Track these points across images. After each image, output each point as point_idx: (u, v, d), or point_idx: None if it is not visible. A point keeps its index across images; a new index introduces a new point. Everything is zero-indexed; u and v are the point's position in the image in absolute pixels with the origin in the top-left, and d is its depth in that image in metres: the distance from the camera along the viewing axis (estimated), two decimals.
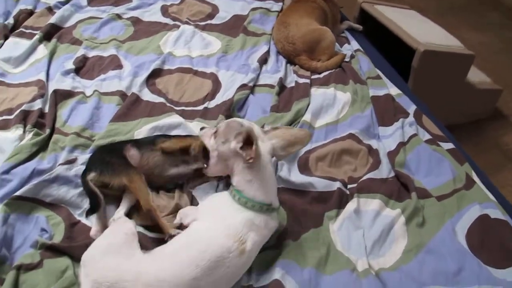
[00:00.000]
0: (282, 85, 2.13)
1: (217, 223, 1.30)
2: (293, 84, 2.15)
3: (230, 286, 1.27)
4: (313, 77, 2.23)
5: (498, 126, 3.24)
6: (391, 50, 2.76)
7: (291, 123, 1.91)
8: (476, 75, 3.07)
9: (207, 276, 1.18)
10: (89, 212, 1.46)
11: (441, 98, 2.86)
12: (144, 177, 1.50)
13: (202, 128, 1.59)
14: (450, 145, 1.90)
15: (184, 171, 1.59)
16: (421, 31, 2.74)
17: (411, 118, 1.99)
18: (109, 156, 1.56)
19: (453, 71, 2.80)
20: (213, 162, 1.46)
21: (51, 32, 2.34)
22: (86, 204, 1.52)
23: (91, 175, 1.48)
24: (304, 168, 1.73)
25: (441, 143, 1.90)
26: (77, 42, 2.32)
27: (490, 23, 4.53)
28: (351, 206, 1.57)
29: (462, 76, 2.86)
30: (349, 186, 1.65)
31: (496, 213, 1.60)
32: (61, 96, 1.93)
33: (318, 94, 2.09)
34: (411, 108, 2.09)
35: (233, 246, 1.23)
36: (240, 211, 1.31)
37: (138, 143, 1.63)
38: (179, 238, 1.30)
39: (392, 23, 2.77)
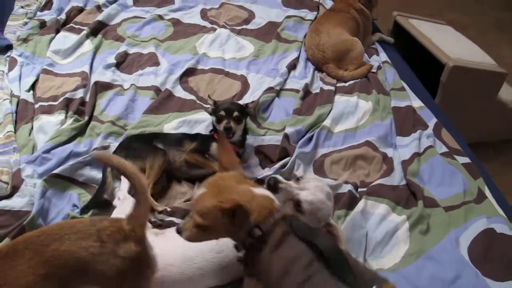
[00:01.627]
0: (307, 90, 2.23)
1: None
2: (318, 90, 2.25)
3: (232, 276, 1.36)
4: (338, 85, 2.32)
5: None
6: (422, 65, 2.80)
7: (312, 126, 2.00)
8: (509, 94, 3.05)
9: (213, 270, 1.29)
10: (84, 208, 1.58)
11: (470, 115, 2.86)
12: (164, 165, 1.66)
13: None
14: (466, 159, 1.94)
15: (209, 171, 1.70)
16: (453, 47, 2.76)
17: (429, 130, 2.04)
18: (136, 143, 1.74)
19: (483, 88, 2.80)
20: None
21: (98, 29, 2.55)
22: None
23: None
24: (319, 170, 1.82)
25: (457, 157, 1.95)
26: (120, 39, 2.51)
27: None
28: (358, 207, 1.64)
29: (493, 94, 2.85)
30: (359, 189, 1.73)
31: (504, 228, 1.64)
32: (101, 87, 2.11)
33: (341, 101, 2.18)
34: (432, 121, 2.13)
35: None
36: None
37: (165, 138, 1.78)
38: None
39: (424, 37, 2.81)
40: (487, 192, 1.81)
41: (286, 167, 1.76)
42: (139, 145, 1.72)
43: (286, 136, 1.90)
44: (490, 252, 1.56)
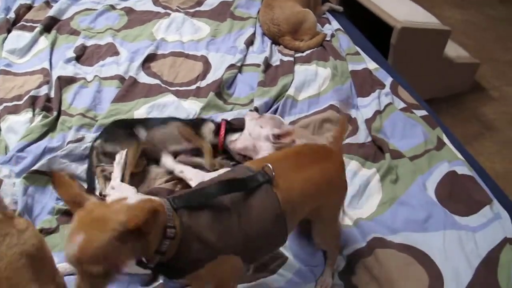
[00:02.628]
0: (267, 64, 2.30)
1: None
2: (278, 63, 2.33)
3: None
4: (296, 55, 2.40)
5: (477, 98, 3.40)
6: (372, 30, 2.92)
7: (277, 97, 2.08)
8: (455, 50, 3.23)
9: None
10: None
11: (421, 73, 3.02)
12: (140, 151, 1.70)
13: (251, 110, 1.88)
14: (423, 112, 2.09)
15: (183, 148, 1.76)
16: (399, 10, 2.89)
17: (387, 89, 2.17)
18: (117, 128, 1.78)
19: (430, 47, 2.96)
20: (243, 138, 1.72)
21: (51, 24, 2.51)
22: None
23: (97, 142, 1.72)
24: None
25: (415, 111, 2.08)
26: (75, 32, 2.48)
27: (472, 1, 4.68)
28: None
29: (440, 51, 3.02)
30: None
31: (463, 169, 1.79)
32: (65, 81, 2.10)
33: (301, 70, 2.27)
34: (388, 80, 2.26)
35: None
36: None
37: (148, 122, 1.82)
38: None
39: (371, 3, 2.93)
40: (445, 140, 1.96)
41: None
42: (120, 130, 1.76)
43: (256, 109, 1.97)
44: (454, 192, 1.71)
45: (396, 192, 1.68)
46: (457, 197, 1.70)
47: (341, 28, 2.64)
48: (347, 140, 1.87)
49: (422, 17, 2.97)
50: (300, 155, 1.25)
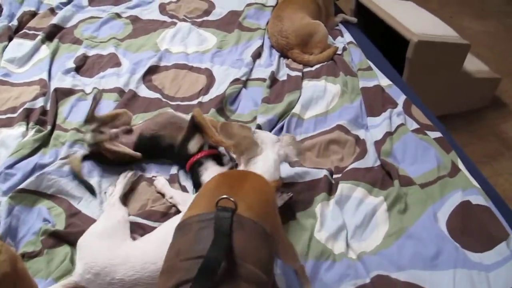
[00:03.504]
0: (274, 78, 2.20)
1: None
2: (285, 78, 2.22)
3: None
4: (305, 70, 2.29)
5: (497, 115, 3.25)
6: (386, 43, 2.81)
7: (283, 114, 1.97)
8: (474, 64, 3.10)
9: None
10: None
11: (438, 88, 2.89)
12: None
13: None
14: (437, 134, 1.95)
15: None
16: (416, 22, 2.77)
17: (399, 108, 2.04)
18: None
19: (448, 61, 2.83)
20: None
21: (54, 32, 2.45)
22: (85, 195, 1.63)
23: (88, 136, 1.71)
24: None
25: (428, 132, 1.95)
26: (78, 41, 2.42)
27: (492, 10, 4.51)
28: (336, 193, 1.64)
29: (458, 66, 2.88)
30: (334, 176, 1.72)
31: (478, 199, 1.65)
32: (62, 94, 2.03)
33: (309, 86, 2.15)
34: (401, 98, 2.13)
35: None
36: None
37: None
38: (165, 224, 1.39)
39: (387, 15, 2.81)
40: (460, 165, 1.82)
41: None
42: None
43: (258, 127, 1.87)
44: (467, 224, 1.57)
45: (404, 223, 1.56)
46: (471, 230, 1.56)
47: (354, 41, 2.52)
48: (354, 165, 1.75)
49: (439, 30, 2.84)
50: (227, 178, 1.20)
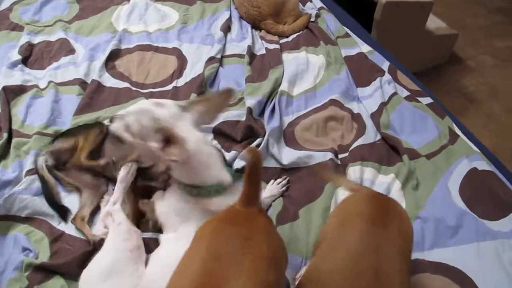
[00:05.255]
0: (252, 54, 2.01)
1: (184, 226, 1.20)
2: (263, 51, 2.04)
3: None
4: (281, 41, 2.12)
5: (456, 70, 3.28)
6: (350, 5, 2.68)
7: (271, 93, 1.81)
8: (432, 21, 3.07)
9: None
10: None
11: (403, 48, 2.84)
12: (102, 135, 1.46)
13: (111, 120, 1.30)
14: (428, 100, 1.88)
15: None
16: None
17: (387, 76, 1.94)
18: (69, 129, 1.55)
19: (413, 20, 2.78)
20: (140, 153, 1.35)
21: None
22: None
23: (44, 149, 1.46)
24: (292, 142, 1.66)
25: (419, 99, 1.88)
26: (17, 27, 2.08)
27: None
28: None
29: (422, 24, 2.85)
30: (340, 155, 1.60)
31: (482, 164, 1.61)
32: (13, 92, 1.73)
33: (290, 59, 2.00)
34: (385, 64, 2.04)
35: None
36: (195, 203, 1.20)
37: None
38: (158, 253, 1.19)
39: None
40: (457, 130, 1.77)
41: (260, 148, 1.57)
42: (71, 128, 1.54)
43: (249, 110, 1.70)
44: (478, 193, 1.52)
45: (419, 200, 1.48)
46: (483, 198, 1.51)
47: (325, 6, 2.36)
48: (357, 142, 1.64)
49: None
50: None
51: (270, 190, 1.47)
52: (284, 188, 1.49)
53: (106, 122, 1.53)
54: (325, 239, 1.06)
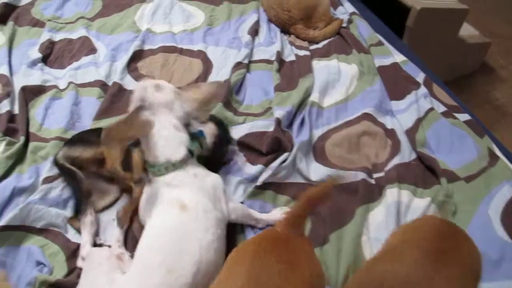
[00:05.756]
0: (280, 60, 1.91)
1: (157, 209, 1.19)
2: (292, 58, 1.94)
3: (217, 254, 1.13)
4: (311, 47, 2.02)
5: (487, 80, 3.15)
6: (377, 9, 2.58)
7: (300, 103, 1.71)
8: (464, 29, 2.95)
9: (177, 262, 1.06)
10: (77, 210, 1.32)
11: (434, 56, 2.72)
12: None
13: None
14: (466, 117, 1.77)
15: None
16: None
17: (423, 89, 1.84)
18: (86, 134, 1.47)
19: (447, 27, 2.66)
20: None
21: (6, 13, 2.02)
22: None
23: (59, 154, 1.39)
24: (321, 157, 1.56)
25: (456, 115, 1.77)
26: (38, 23, 2.01)
27: None
28: (382, 202, 1.42)
29: (455, 32, 2.73)
30: (375, 175, 1.50)
31: None
32: (31, 93, 1.66)
33: (320, 67, 1.90)
34: (420, 76, 1.93)
35: (175, 213, 1.15)
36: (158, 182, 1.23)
37: None
38: (140, 243, 1.15)
39: None
40: (497, 151, 1.66)
41: (287, 162, 1.48)
42: (87, 135, 1.45)
43: (278, 121, 1.60)
44: None
45: None
46: None
47: (357, 11, 2.25)
48: (394, 161, 1.54)
49: None
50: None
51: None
52: None
53: None
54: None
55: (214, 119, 1.48)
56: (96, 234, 1.29)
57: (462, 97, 2.90)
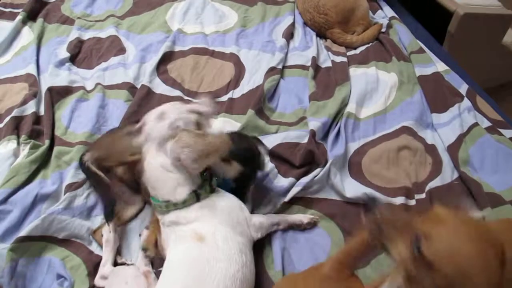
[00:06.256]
0: (316, 66, 1.82)
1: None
2: (328, 64, 1.85)
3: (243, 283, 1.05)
4: (348, 53, 1.92)
5: None
6: (417, 12, 2.45)
7: (337, 114, 1.62)
8: (508, 35, 2.79)
9: None
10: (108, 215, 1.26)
11: (475, 63, 2.58)
12: None
13: None
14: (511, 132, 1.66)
15: None
16: None
17: (467, 102, 1.72)
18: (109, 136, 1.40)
19: (490, 33, 2.52)
20: None
21: (36, 9, 1.99)
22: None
23: (86, 155, 1.31)
24: (357, 174, 1.47)
25: (502, 131, 1.65)
26: (68, 20, 1.96)
27: None
28: None
29: (499, 38, 2.58)
30: (417, 196, 1.40)
31: None
32: (58, 94, 1.61)
33: (358, 75, 1.80)
34: (463, 87, 1.82)
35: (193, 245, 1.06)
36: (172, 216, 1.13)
37: None
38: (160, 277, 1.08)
39: None
40: None
41: (319, 176, 1.40)
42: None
43: (313, 133, 1.51)
44: None
45: None
46: None
47: (396, 15, 2.14)
48: (434, 182, 1.44)
49: None
50: None
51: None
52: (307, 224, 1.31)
53: None
54: None
55: (247, 143, 1.37)
56: (118, 251, 1.23)
57: (504, 107, 2.78)
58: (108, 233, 1.23)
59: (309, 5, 2.00)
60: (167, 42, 1.84)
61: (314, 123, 1.55)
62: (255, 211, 1.31)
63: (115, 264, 1.20)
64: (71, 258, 1.21)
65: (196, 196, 1.12)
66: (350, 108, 1.64)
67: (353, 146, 1.55)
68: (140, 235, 1.27)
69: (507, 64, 2.86)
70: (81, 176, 1.37)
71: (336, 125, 1.60)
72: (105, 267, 1.18)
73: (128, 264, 1.19)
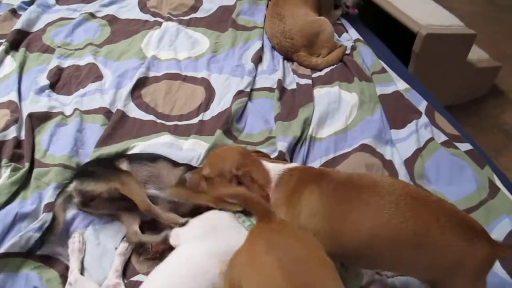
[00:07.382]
0: (282, 88, 1.94)
1: (219, 244, 1.20)
2: (294, 86, 1.97)
3: None
4: (314, 75, 2.04)
5: (497, 104, 3.12)
6: (383, 33, 2.59)
7: (301, 134, 1.73)
8: (474, 52, 2.93)
9: None
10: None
11: (441, 81, 2.72)
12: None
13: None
14: (467, 146, 1.77)
15: (161, 195, 1.43)
16: (420, 12, 2.55)
17: (424, 118, 1.84)
18: (93, 167, 1.48)
19: (454, 52, 2.65)
20: None
21: (18, 40, 2.09)
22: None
23: (72, 185, 1.42)
24: None
25: (458, 144, 1.77)
26: (48, 49, 2.07)
27: None
28: None
29: (463, 57, 2.71)
30: None
31: None
32: (38, 119, 1.71)
33: (322, 95, 1.92)
34: (422, 104, 1.94)
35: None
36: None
37: (132, 155, 1.57)
38: (167, 266, 1.18)
39: (389, 4, 2.58)
40: (497, 182, 1.65)
41: None
42: (99, 167, 1.46)
43: (281, 154, 1.61)
44: None
45: None
46: None
47: (361, 38, 2.27)
48: None
49: (445, 20, 2.64)
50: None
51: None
52: None
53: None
54: None
55: None
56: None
57: (470, 121, 2.91)
58: (73, 244, 1.34)
59: (276, 30, 2.13)
60: (142, 68, 1.96)
61: (281, 143, 1.65)
62: None
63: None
64: (47, 272, 1.30)
65: None
66: (312, 130, 1.75)
67: (315, 165, 1.65)
68: (116, 248, 1.36)
69: (474, 80, 2.99)
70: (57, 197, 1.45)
71: (301, 146, 1.70)
72: (72, 274, 1.28)
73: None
